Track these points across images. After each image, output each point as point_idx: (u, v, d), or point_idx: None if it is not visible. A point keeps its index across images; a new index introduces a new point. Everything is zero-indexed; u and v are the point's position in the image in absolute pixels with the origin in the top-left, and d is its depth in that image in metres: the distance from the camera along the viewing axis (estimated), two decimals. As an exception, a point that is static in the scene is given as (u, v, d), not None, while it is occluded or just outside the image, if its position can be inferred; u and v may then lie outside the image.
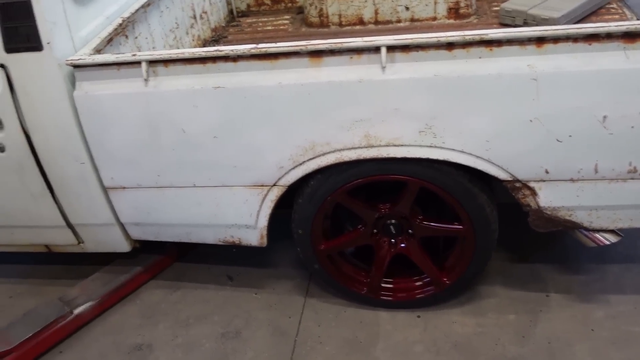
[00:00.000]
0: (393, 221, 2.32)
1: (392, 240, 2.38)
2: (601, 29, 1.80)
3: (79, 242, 2.58)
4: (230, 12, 3.72)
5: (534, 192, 2.08)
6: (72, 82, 2.17)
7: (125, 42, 2.48)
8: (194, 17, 3.24)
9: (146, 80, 2.08)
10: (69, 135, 2.23)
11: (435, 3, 3.17)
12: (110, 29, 2.38)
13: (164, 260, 2.84)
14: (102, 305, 2.61)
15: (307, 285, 2.67)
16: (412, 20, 3.23)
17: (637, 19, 2.88)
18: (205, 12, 3.39)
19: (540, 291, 2.49)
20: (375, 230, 2.37)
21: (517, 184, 2.07)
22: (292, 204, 2.32)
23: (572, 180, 2.03)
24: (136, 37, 2.59)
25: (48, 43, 2.09)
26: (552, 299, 2.45)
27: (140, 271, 2.74)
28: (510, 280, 2.57)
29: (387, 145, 2.04)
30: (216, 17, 3.53)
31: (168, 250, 2.84)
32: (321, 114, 2.02)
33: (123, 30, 2.46)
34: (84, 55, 2.12)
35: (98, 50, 2.23)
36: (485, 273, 2.59)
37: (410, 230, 2.35)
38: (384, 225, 2.34)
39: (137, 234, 2.52)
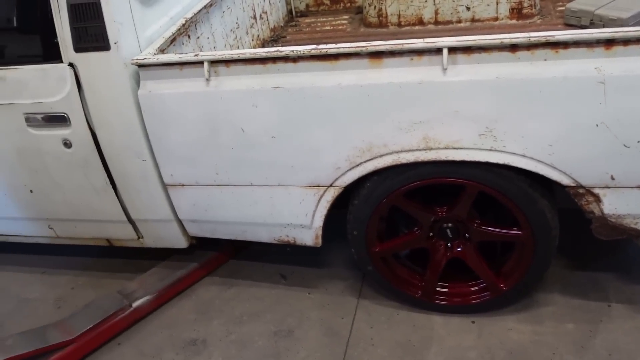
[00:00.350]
0: (450, 225, 2.29)
1: (448, 244, 2.35)
2: (674, 31, 1.73)
3: (139, 237, 2.64)
4: (290, 12, 3.75)
5: (598, 199, 2.02)
6: (137, 81, 2.23)
7: (187, 42, 2.53)
8: (254, 17, 3.29)
9: (208, 79, 2.12)
10: (132, 132, 2.29)
11: (497, 3, 3.11)
12: (173, 29, 2.44)
13: (220, 257, 2.88)
14: (159, 300, 2.67)
15: (360, 286, 2.66)
16: (473, 20, 3.18)
17: None
18: (265, 12, 3.43)
19: (601, 300, 2.42)
20: (431, 234, 2.35)
21: (581, 190, 2.02)
22: (348, 205, 2.32)
23: (639, 187, 1.96)
24: (198, 37, 2.64)
25: (115, 43, 2.16)
26: (613, 309, 2.37)
27: (196, 267, 2.79)
28: (569, 288, 2.50)
29: (445, 148, 2.02)
30: (275, 17, 3.56)
31: (224, 248, 2.89)
32: (380, 116, 2.01)
33: (186, 30, 2.52)
34: (149, 55, 2.17)
35: (162, 50, 2.28)
36: (543, 280, 2.53)
37: (467, 235, 2.31)
38: (440, 229, 2.32)
39: (194, 230, 2.57)
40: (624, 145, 1.88)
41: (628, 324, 2.29)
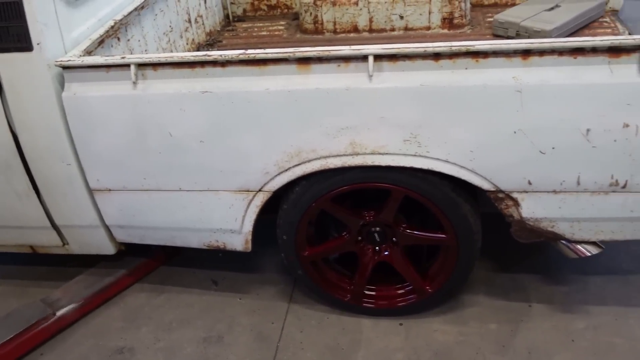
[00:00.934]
0: (377, 229, 2.33)
1: (376, 247, 2.39)
2: (586, 43, 1.82)
3: (64, 244, 2.57)
4: (227, 16, 3.74)
5: (516, 203, 2.10)
6: (61, 83, 2.18)
7: (117, 45, 2.49)
8: (189, 21, 3.26)
9: (135, 83, 2.09)
10: (56, 136, 2.23)
11: (430, 13, 3.20)
12: (101, 31, 2.39)
13: (149, 263, 2.83)
14: (85, 308, 2.60)
15: (291, 291, 2.67)
16: (406, 29, 3.25)
17: (629, 34, 2.92)
18: (201, 16, 3.41)
19: (522, 301, 2.51)
20: (359, 238, 2.38)
21: (500, 195, 2.09)
22: (278, 210, 2.33)
23: (554, 192, 2.05)
24: (128, 40, 2.60)
25: (38, 44, 2.10)
26: (534, 309, 2.47)
27: (125, 274, 2.74)
28: (493, 289, 2.58)
29: (372, 154, 2.06)
30: (211, 22, 3.54)
31: (154, 254, 2.84)
32: (308, 121, 2.03)
33: (115, 32, 2.47)
34: (74, 57, 2.12)
35: (88, 52, 2.23)
36: (468, 282, 2.60)
37: (394, 239, 2.36)
38: (368, 233, 2.35)
39: (122, 236, 2.52)
40: (540, 152, 1.97)
41: (547, 323, 2.39)
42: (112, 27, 2.44)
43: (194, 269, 2.86)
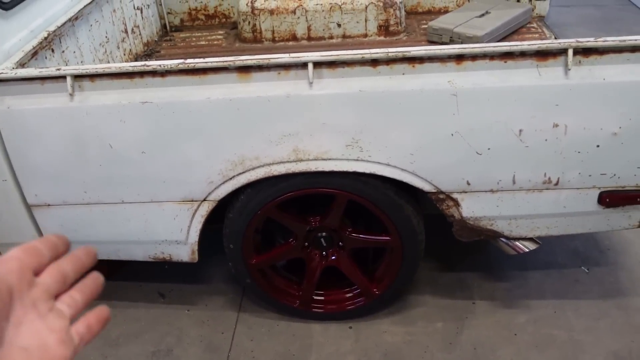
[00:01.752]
0: (323, 234, 2.36)
1: (323, 252, 2.42)
2: (515, 48, 1.90)
3: (2, 262, 2.49)
4: (164, 26, 3.70)
5: (457, 203, 2.17)
6: (-7, 97, 2.12)
7: (51, 56, 2.43)
8: (125, 32, 3.21)
9: (71, 95, 2.05)
10: (-11, 150, 2.17)
11: (366, 20, 3.25)
12: (34, 42, 2.33)
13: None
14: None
15: (240, 300, 2.67)
16: (344, 37, 3.30)
17: (555, 38, 3.06)
18: (137, 27, 3.36)
19: (466, 299, 2.58)
20: (306, 244, 2.40)
21: (441, 196, 2.15)
22: (223, 219, 2.33)
23: (492, 191, 2.13)
24: (63, 51, 2.55)
25: (-33, 56, 2.04)
26: (477, 306, 2.54)
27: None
28: (438, 288, 2.65)
29: (315, 159, 2.08)
30: (149, 32, 3.50)
31: (96, 269, 2.77)
32: (250, 129, 2.04)
33: (49, 44, 2.42)
34: (6, 69, 2.06)
35: (22, 64, 2.18)
36: (414, 282, 2.66)
37: (340, 243, 2.39)
38: (314, 238, 2.38)
39: (64, 252, 2.46)
40: (477, 153, 2.04)
41: (490, 319, 2.47)
42: (46, 38, 2.39)
43: (140, 282, 2.81)
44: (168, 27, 3.71)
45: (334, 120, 2.01)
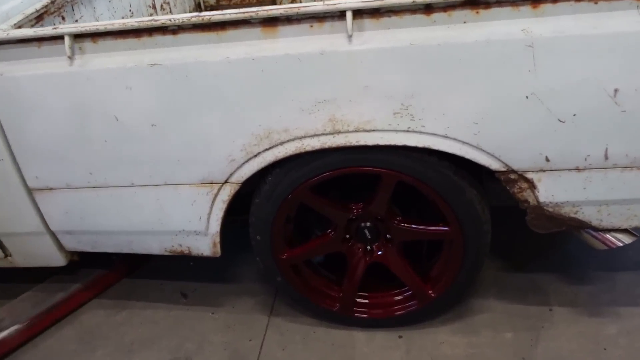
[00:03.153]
0: (368, 224, 1.98)
1: (368, 247, 2.04)
2: (610, -16, 1.48)
3: (6, 255, 2.22)
4: (198, 5, 3.40)
5: (532, 185, 1.75)
6: (-13, 64, 1.84)
7: (61, 24, 2.15)
8: (154, 7, 2.93)
9: (70, 58, 1.75)
10: (-17, 126, 1.89)
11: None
12: (38, 5, 2.05)
13: (109, 276, 2.48)
14: (32, 329, 2.24)
15: (273, 302, 2.31)
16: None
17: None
18: (168, 3, 3.07)
19: (541, 304, 2.15)
20: (347, 236, 2.03)
21: (512, 176, 1.74)
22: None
23: (577, 169, 1.70)
24: (76, 20, 2.27)
25: (-45, 14, 1.76)
26: (555, 314, 2.11)
27: (80, 289, 2.38)
28: (506, 292, 2.23)
29: (356, 131, 1.71)
30: (180, 10, 3.21)
31: (115, 265, 2.49)
32: (277, 95, 1.69)
33: (59, 9, 2.14)
34: (-1, 30, 1.78)
35: (20, 28, 1.90)
36: (477, 284, 2.26)
37: (387, 235, 2.01)
38: (357, 229, 2.00)
39: (72, 244, 2.17)
40: (559, 120, 1.62)
41: (572, 330, 2.03)
42: (53, 1, 2.11)
43: (161, 280, 2.50)
44: (202, 6, 3.41)
45: (379, 81, 1.63)
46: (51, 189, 2.00)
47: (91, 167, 1.92)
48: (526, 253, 2.41)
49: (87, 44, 1.76)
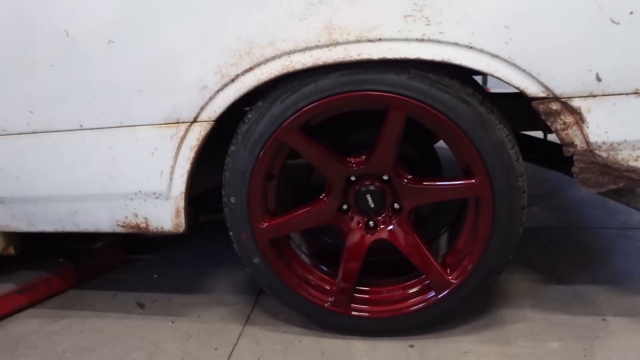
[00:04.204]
0: (371, 187, 1.57)
1: (370, 222, 1.61)
2: None
3: None
4: None
5: (580, 118, 1.38)
6: None
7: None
8: None
9: (19, -42, 1.48)
10: None
11: None
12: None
13: (53, 282, 2.01)
14: (-60, 331, 1.75)
15: (249, 312, 1.84)
16: None
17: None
18: None
19: (591, 314, 1.68)
20: (344, 206, 1.61)
21: (554, 105, 1.37)
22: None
23: (637, 93, 1.34)
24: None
25: None
26: (611, 324, 1.63)
27: (13, 291, 1.91)
28: (545, 303, 1.75)
29: (357, 41, 1.37)
30: None
31: (60, 270, 2.03)
32: (262, -4, 1.38)
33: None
34: None
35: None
36: (506, 295, 1.80)
37: (395, 205, 1.59)
38: (357, 196, 1.59)
39: (4, 220, 1.76)
40: (612, 21, 1.29)
41: (636, 339, 1.54)
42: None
43: (116, 291, 2.03)
44: None
45: (384, -27, 1.33)
46: (-17, 136, 1.63)
47: (32, 103, 1.57)
48: (565, 267, 1.96)
49: (42, -54, 1.49)
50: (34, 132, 1.61)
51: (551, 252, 2.09)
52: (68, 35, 1.49)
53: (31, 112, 1.58)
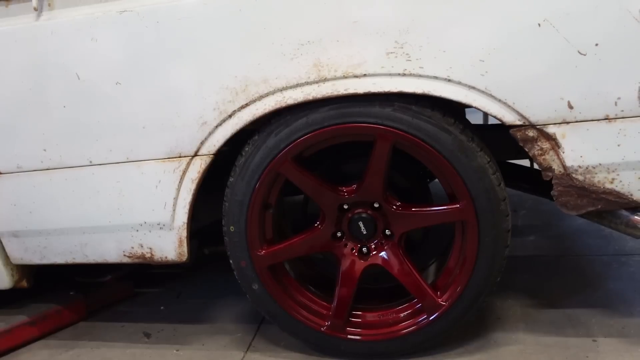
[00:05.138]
0: (362, 214, 1.66)
1: (363, 248, 1.69)
2: None
3: (-58, 272, 1.89)
4: None
5: (555, 144, 1.46)
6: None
7: None
8: None
9: (37, 10, 1.62)
10: None
11: None
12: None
13: (63, 314, 2.09)
14: (-44, 360, 1.84)
15: (251, 340, 1.90)
16: None
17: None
18: None
19: (582, 336, 1.72)
20: (338, 233, 1.69)
21: (531, 132, 1.46)
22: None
23: (607, 119, 1.42)
24: None
25: None
26: (601, 344, 1.67)
27: (24, 322, 1.99)
28: (537, 325, 1.80)
29: (344, 77, 1.49)
30: None
31: (71, 303, 2.12)
32: (256, 38, 1.50)
33: None
34: (-36, -12, 1.68)
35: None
36: (500, 319, 1.85)
37: (387, 231, 1.67)
38: (350, 222, 1.67)
39: (18, 252, 1.86)
40: (579, 52, 1.39)
41: (624, 359, 1.59)
42: None
43: (124, 322, 2.11)
44: None
45: (369, 14, 1.44)
46: (0, 173, 1.75)
47: (46, 142, 1.69)
48: (556, 292, 2.01)
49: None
50: (47, 169, 1.72)
51: (545, 278, 2.14)
52: (79, 79, 1.62)
53: (44, 149, 1.70)
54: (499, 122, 1.50)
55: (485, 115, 3.15)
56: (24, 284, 1.94)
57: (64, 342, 2.00)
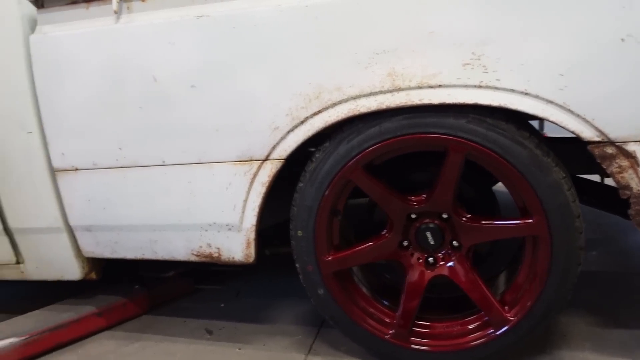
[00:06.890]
0: (430, 225, 1.65)
1: (430, 258, 1.68)
2: None
3: (18, 262, 1.97)
4: None
5: (635, 162, 1.42)
6: (32, 28, 1.78)
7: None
8: None
9: (116, 13, 1.67)
10: (17, 93, 1.78)
11: None
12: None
13: (128, 307, 2.16)
14: (29, 347, 1.90)
15: (312, 342, 1.92)
16: None
17: None
18: None
19: (655, 358, 1.67)
20: (405, 243, 1.69)
21: (609, 149, 1.43)
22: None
23: (693, 137, 1.38)
24: None
25: (7, -28, 1.74)
26: (676, 368, 1.62)
27: (92, 313, 2.06)
28: (605, 345, 1.76)
29: (418, 87, 1.48)
30: None
31: (135, 296, 2.18)
32: (330, 46, 1.51)
33: None
34: (48, -9, 1.74)
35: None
36: (567, 337, 1.81)
37: (454, 242, 1.66)
38: (417, 232, 1.67)
39: (90, 246, 1.92)
40: (665, 68, 1.35)
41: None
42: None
43: (186, 318, 2.15)
44: None
45: (446, 25, 1.43)
46: (76, 169, 1.81)
47: (121, 141, 1.74)
48: (624, 311, 1.96)
49: (135, 3, 1.68)
50: (121, 167, 1.77)
51: (611, 296, 2.08)
52: (156, 81, 1.66)
53: (120, 148, 1.75)
54: (569, 137, 1.47)
55: (541, 124, 3.11)
56: (93, 275, 2.01)
57: (128, 334, 2.06)
